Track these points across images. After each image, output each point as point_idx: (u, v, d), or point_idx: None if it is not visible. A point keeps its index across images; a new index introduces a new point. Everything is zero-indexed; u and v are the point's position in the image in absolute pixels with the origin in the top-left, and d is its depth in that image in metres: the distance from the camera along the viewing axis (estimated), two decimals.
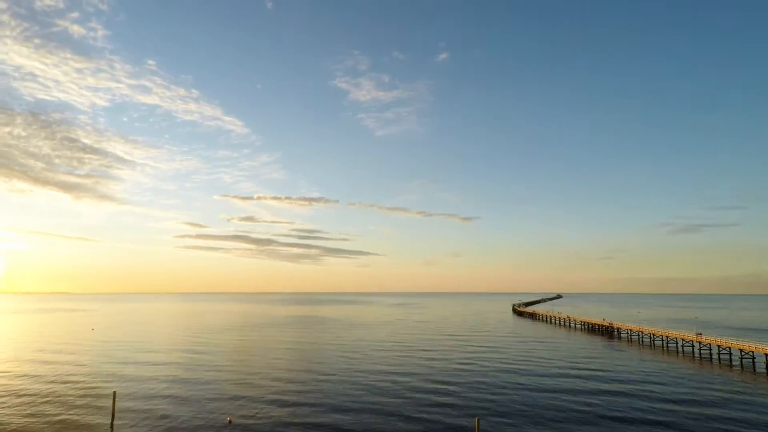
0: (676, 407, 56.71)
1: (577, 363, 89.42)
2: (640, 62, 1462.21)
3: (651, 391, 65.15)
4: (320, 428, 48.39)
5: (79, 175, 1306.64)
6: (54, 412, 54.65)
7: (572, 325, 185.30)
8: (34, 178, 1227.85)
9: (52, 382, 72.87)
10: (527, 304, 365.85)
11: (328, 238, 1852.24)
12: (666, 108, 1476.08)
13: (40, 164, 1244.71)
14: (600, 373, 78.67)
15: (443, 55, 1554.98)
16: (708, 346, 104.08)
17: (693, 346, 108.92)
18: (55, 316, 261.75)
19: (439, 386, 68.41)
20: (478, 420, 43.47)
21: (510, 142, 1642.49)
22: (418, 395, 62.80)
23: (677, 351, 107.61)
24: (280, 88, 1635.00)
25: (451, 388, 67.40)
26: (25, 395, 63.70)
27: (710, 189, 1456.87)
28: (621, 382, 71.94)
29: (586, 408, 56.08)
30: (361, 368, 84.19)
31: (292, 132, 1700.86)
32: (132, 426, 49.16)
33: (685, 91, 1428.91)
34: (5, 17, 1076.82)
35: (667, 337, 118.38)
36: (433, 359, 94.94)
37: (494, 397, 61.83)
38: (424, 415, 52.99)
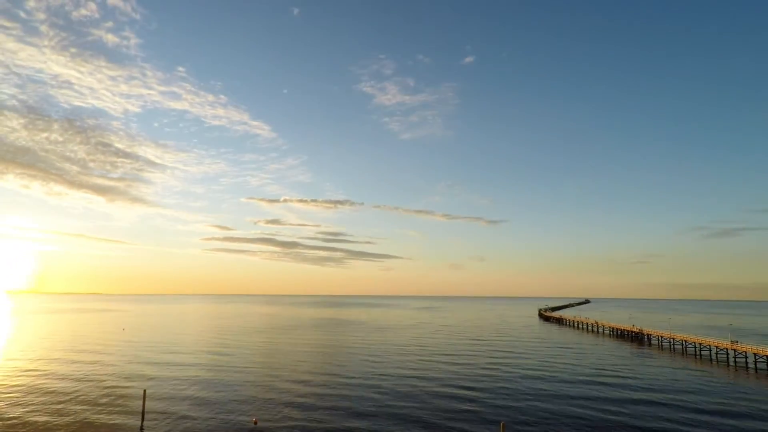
0: (709, 418, 54.95)
1: (605, 370, 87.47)
2: (675, 59, 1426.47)
3: (682, 401, 63.28)
4: (339, 429, 48.60)
5: (112, 179, 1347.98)
6: (84, 411, 56.32)
7: (600, 330, 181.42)
8: (70, 181, 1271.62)
9: (82, 380, 75.09)
10: (554, 309, 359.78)
11: (353, 241, 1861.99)
12: (703, 106, 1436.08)
13: (75, 168, 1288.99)
14: (629, 381, 76.78)
15: (469, 58, 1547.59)
16: (744, 354, 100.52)
17: (728, 354, 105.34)
18: (87, 316, 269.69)
19: (462, 392, 67.89)
20: (503, 425, 43.00)
21: (538, 143, 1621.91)
22: (440, 401, 62.47)
23: (710, 359, 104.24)
24: (306, 93, 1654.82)
25: (474, 393, 66.80)
26: (55, 393, 65.80)
27: (750, 190, 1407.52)
28: (650, 390, 70.08)
29: (613, 417, 54.83)
30: (385, 372, 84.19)
31: (318, 136, 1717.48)
32: (161, 425, 50.29)
33: (722, 88, 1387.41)
34: (44, 28, 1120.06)
35: (699, 344, 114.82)
36: (457, 364, 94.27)
37: (518, 404, 61.03)
38: (446, 422, 52.68)
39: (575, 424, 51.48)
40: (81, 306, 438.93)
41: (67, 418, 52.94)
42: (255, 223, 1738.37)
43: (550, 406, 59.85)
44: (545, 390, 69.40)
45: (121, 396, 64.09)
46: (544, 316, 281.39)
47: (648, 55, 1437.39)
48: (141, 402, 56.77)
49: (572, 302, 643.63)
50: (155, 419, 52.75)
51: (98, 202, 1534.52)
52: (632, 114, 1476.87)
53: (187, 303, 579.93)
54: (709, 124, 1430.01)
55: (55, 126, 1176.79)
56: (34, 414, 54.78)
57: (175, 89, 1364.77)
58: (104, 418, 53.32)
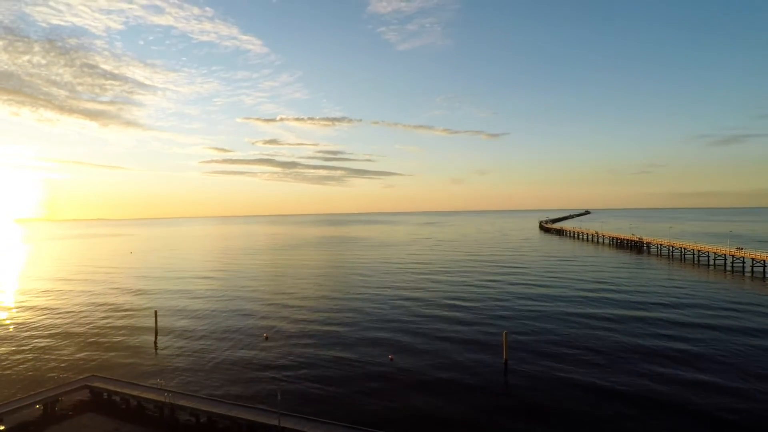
0: (709, 333, 56.30)
1: (604, 279, 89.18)
2: None
3: (682, 313, 64.76)
4: (348, 344, 50.02)
5: (102, 102, 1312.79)
6: (98, 332, 57.89)
7: (600, 240, 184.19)
8: (60, 106, 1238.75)
9: (94, 303, 76.89)
10: (554, 221, 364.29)
11: (352, 159, 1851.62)
12: (708, 7, 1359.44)
13: (63, 92, 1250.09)
14: (628, 289, 78.41)
15: None
16: (741, 259, 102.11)
17: (725, 260, 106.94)
18: (95, 242, 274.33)
19: (464, 303, 69.42)
20: (506, 334, 43.99)
21: (542, 51, 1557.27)
22: (439, 313, 63.95)
23: (708, 265, 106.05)
24: (296, 2, 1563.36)
25: (476, 305, 68.33)
26: (70, 314, 67.48)
27: (756, 95, 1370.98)
28: (650, 302, 71.64)
29: (612, 326, 56.21)
30: (388, 288, 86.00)
31: (312, 50, 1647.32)
32: (174, 343, 51.82)
33: None
34: None
35: (698, 251, 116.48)
36: (454, 279, 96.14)
37: (516, 317, 62.46)
38: (446, 334, 54.07)
39: (576, 337, 52.81)
40: (89, 232, 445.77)
41: (80, 339, 54.50)
42: (253, 143, 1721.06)
43: (549, 320, 61.26)
44: (544, 304, 70.92)
45: (134, 317, 65.74)
46: (545, 228, 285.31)
47: None
48: (153, 321, 58.20)
49: (572, 214, 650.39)
50: (168, 337, 54.30)
51: (91, 127, 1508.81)
52: (635, 21, 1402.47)
53: (190, 226, 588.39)
54: (714, 28, 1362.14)
55: (36, 48, 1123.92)
56: (44, 338, 56.34)
57: (158, 2, 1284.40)
58: (118, 338, 54.84)
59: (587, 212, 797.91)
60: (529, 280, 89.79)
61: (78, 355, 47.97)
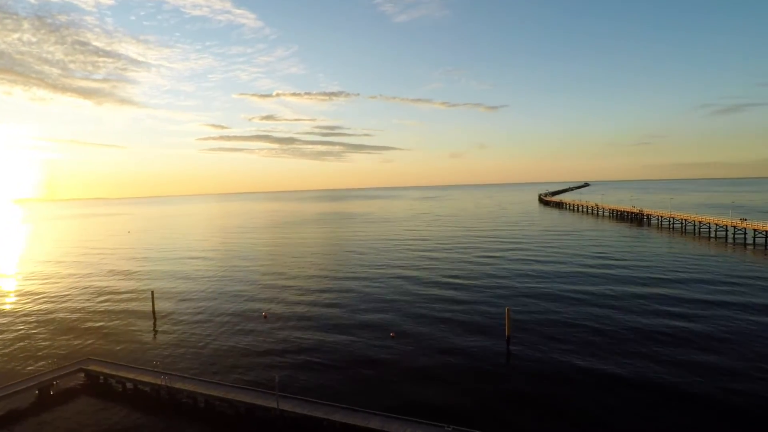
0: (714, 310, 55.74)
1: (605, 254, 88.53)
2: None
3: (685, 288, 64.18)
4: (346, 326, 49.46)
5: (96, 80, 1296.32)
6: (96, 314, 57.26)
7: (600, 213, 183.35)
8: (53, 84, 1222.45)
9: (91, 284, 76.21)
10: (553, 194, 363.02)
11: (350, 134, 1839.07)
12: None
13: (55, 70, 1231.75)
14: (629, 264, 77.81)
15: None
16: (743, 230, 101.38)
17: (726, 231, 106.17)
18: (93, 221, 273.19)
19: (463, 282, 68.82)
20: (508, 310, 43.31)
21: (542, 23, 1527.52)
22: (438, 292, 63.36)
23: (709, 236, 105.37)
24: None
25: (475, 282, 67.73)
26: (66, 297, 66.85)
27: (757, 63, 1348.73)
28: (654, 276, 71.05)
29: (614, 304, 55.66)
30: (386, 266, 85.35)
31: (308, 23, 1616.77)
32: (174, 326, 51.19)
33: None
34: None
35: (699, 222, 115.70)
36: (456, 256, 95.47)
37: (514, 293, 61.90)
38: (449, 314, 53.50)
39: (577, 316, 52.26)
40: (87, 211, 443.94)
41: (76, 322, 53.88)
42: (249, 120, 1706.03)
43: (550, 298, 60.69)
44: (545, 281, 70.30)
45: (130, 299, 65.08)
46: (544, 201, 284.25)
47: None
48: (150, 303, 57.48)
49: (571, 186, 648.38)
50: (165, 319, 53.67)
51: (86, 105, 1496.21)
52: None
53: (188, 204, 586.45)
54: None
55: (26, 25, 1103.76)
56: (38, 323, 55.71)
57: None
58: (115, 321, 54.21)
59: (586, 184, 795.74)
60: (529, 255, 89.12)
61: (73, 339, 47.33)
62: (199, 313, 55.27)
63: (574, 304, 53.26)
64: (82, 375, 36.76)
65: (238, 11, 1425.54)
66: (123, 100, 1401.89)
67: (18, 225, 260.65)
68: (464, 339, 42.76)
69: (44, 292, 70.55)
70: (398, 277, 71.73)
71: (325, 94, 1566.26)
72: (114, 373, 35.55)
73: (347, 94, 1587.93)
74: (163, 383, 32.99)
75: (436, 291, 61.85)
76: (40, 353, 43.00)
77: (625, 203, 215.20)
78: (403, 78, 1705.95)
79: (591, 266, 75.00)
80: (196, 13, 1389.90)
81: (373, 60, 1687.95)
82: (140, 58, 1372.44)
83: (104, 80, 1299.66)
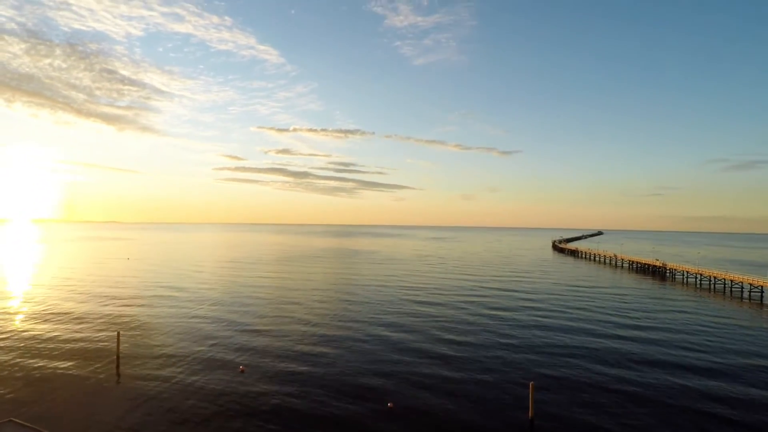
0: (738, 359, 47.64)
1: (630, 312, 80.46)
2: None
3: (713, 347, 56.05)
4: (335, 389, 42.11)
5: (120, 107, 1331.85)
6: (46, 351, 50.45)
7: (619, 263, 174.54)
8: (78, 109, 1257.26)
9: (53, 318, 69.67)
10: (568, 241, 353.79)
11: (364, 171, 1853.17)
12: (720, 31, 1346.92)
13: (82, 96, 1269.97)
14: (658, 326, 69.72)
15: None
16: None
17: (762, 292, 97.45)
18: (99, 244, 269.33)
19: (470, 338, 61.25)
20: (533, 386, 35.94)
21: (557, 71, 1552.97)
22: (442, 349, 55.84)
23: (741, 298, 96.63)
24: (314, 13, 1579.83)
25: (479, 340, 60.10)
26: (15, 330, 60.29)
27: None
28: (688, 343, 62.94)
29: (649, 381, 47.80)
30: (388, 314, 78.01)
31: (328, 61, 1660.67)
32: (138, 369, 44.20)
33: (740, 15, 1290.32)
34: None
35: (731, 281, 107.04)
36: (464, 303, 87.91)
37: (536, 362, 54.21)
38: (451, 386, 45.93)
39: (602, 393, 44.52)
40: (98, 234, 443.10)
41: (11, 368, 47.08)
42: (265, 152, 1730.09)
43: (573, 367, 52.98)
44: (570, 341, 62.55)
45: (94, 339, 58.21)
46: (558, 248, 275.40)
47: None
48: (115, 345, 50.56)
49: (585, 234, 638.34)
50: (131, 362, 46.67)
51: (108, 131, 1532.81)
52: (651, 42, 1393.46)
53: (198, 232, 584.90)
54: (729, 54, 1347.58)
55: (58, 51, 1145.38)
56: None
57: (178, 10, 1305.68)
58: (69, 367, 47.28)
59: (600, 233, 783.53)
60: (547, 316, 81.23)
61: (3, 391, 40.32)
62: (170, 360, 48.14)
63: (611, 391, 45.44)
64: None
65: (262, 47, 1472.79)
66: (144, 128, 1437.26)
67: (21, 244, 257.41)
68: (477, 416, 35.18)
69: None
70: (400, 330, 64.27)
71: (341, 131, 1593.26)
72: None
73: (363, 132, 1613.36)
74: None
75: (443, 349, 54.32)
76: None
77: (643, 254, 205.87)
78: (418, 119, 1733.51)
79: (624, 338, 66.99)
80: (222, 47, 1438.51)
81: (390, 100, 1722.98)
82: (164, 88, 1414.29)
83: (128, 107, 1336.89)
